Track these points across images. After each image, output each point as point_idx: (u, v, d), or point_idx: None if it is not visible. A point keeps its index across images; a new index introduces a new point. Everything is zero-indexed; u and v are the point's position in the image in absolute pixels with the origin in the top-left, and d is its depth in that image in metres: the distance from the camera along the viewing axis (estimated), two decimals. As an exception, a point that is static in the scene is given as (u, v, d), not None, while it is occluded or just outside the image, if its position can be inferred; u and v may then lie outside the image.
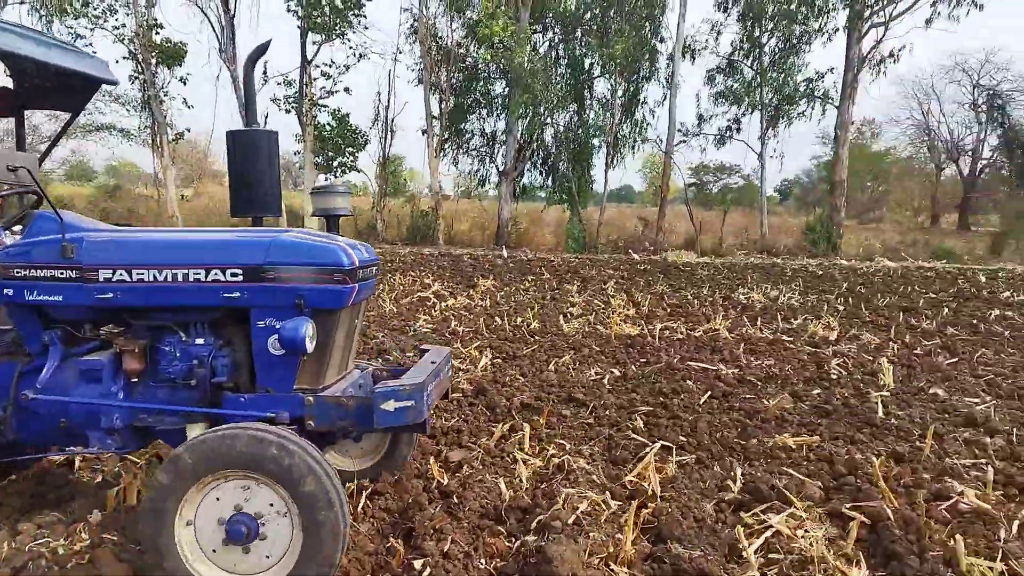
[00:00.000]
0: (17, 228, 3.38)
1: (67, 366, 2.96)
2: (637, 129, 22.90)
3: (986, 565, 2.83)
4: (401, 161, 32.08)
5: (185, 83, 21.67)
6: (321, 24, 20.41)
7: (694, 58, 23.48)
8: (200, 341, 2.96)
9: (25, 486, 3.61)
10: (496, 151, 23.54)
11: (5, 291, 2.89)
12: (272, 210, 3.64)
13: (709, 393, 5.53)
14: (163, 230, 3.22)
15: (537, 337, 7.76)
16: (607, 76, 22.34)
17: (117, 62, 20.54)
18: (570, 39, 22.62)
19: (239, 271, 2.82)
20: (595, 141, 22.75)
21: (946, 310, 9.98)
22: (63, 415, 2.91)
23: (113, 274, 2.83)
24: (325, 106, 21.88)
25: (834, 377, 6.12)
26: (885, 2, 20.09)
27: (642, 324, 8.52)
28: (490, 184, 24.15)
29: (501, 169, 22.46)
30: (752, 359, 6.79)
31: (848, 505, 3.39)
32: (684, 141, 24.10)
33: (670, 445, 4.29)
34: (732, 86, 23.67)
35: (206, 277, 2.82)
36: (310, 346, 2.76)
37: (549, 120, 22.15)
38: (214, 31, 21.13)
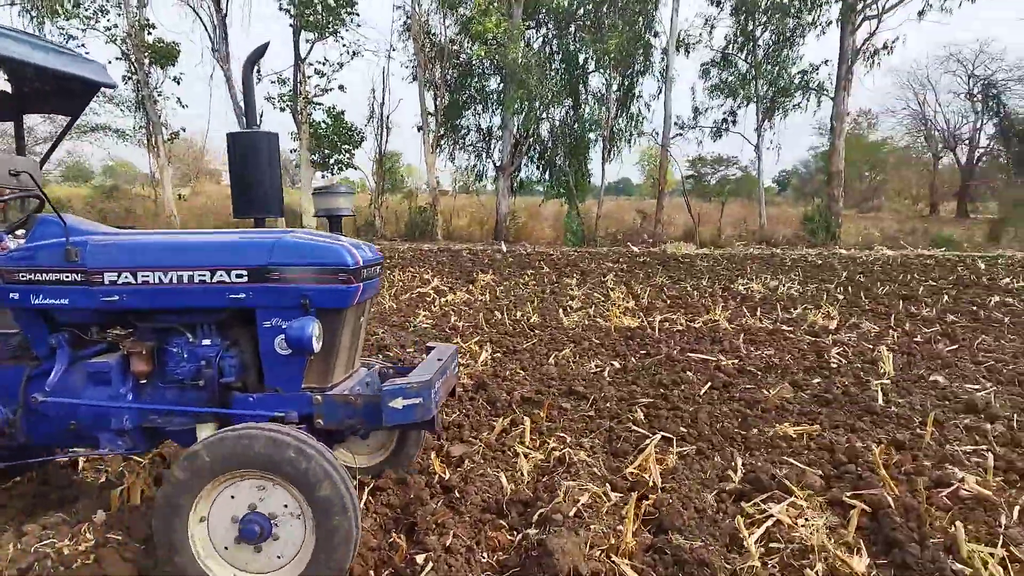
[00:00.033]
0: (20, 232, 3.38)
1: (75, 369, 2.97)
2: (633, 123, 22.91)
3: (987, 551, 2.84)
4: (398, 157, 32.11)
5: (179, 83, 21.71)
6: (314, 22, 20.40)
7: (688, 52, 23.45)
8: (207, 342, 2.97)
9: (29, 487, 3.62)
10: (492, 146, 23.55)
11: (10, 295, 2.89)
12: (274, 211, 3.65)
13: (709, 384, 5.54)
14: (167, 232, 3.23)
15: (537, 331, 7.76)
16: (601, 71, 22.34)
17: (110, 63, 20.49)
18: (564, 34, 22.59)
19: (244, 272, 2.83)
20: (591, 135, 22.76)
21: (946, 297, 9.99)
22: (73, 417, 2.93)
23: (118, 277, 2.84)
24: (320, 104, 21.88)
25: (834, 366, 6.13)
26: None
27: (642, 316, 8.53)
28: (487, 179, 24.16)
29: (498, 164, 22.45)
30: (752, 349, 6.80)
31: (849, 493, 3.39)
32: (680, 134, 24.13)
33: (671, 436, 4.30)
34: (727, 79, 23.64)
35: (211, 278, 2.83)
36: (317, 346, 2.77)
37: (545, 115, 22.15)
38: (206, 30, 21.12)
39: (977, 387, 5.40)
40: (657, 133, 22.77)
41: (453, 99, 22.80)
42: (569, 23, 22.24)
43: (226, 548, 2.53)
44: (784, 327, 7.87)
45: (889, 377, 5.71)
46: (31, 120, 21.38)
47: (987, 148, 35.29)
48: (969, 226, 25.69)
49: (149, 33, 20.83)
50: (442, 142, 23.10)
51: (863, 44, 20.77)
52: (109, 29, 20.64)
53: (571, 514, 3.14)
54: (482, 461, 3.98)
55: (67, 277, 2.84)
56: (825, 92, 22.16)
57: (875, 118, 38.16)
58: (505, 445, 4.26)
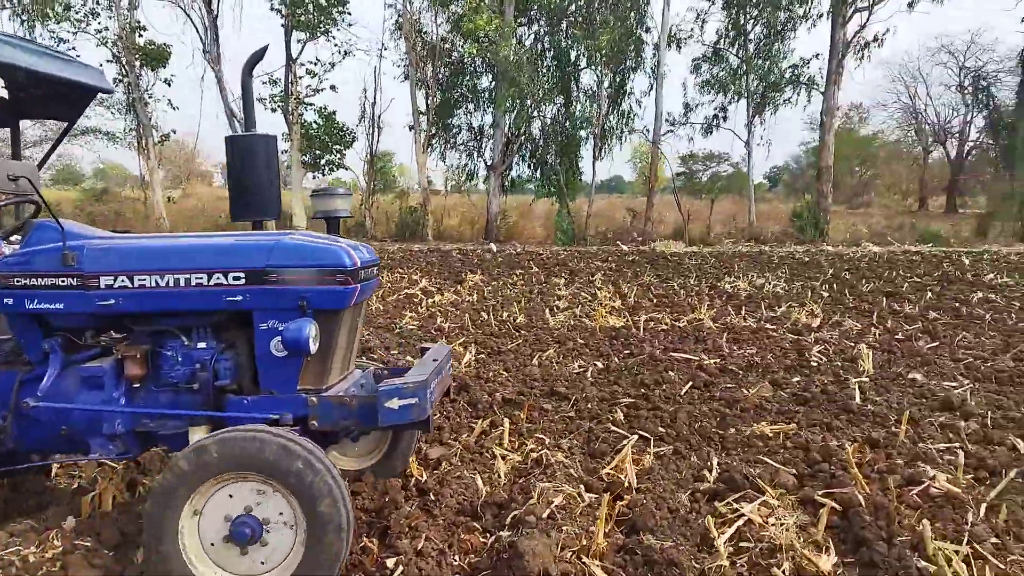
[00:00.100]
0: (14, 238, 3.39)
1: (68, 373, 2.97)
2: (624, 120, 22.95)
3: (952, 548, 2.87)
4: (391, 157, 32.06)
5: (170, 84, 21.65)
6: (305, 22, 20.35)
7: (680, 47, 23.56)
8: (202, 345, 2.98)
9: (0, 493, 3.61)
10: (484, 145, 23.54)
11: (5, 300, 2.89)
12: (271, 213, 3.67)
13: (691, 383, 5.57)
14: (164, 236, 3.24)
15: (523, 331, 7.78)
16: (593, 67, 22.37)
17: (101, 65, 20.35)
18: (555, 31, 22.59)
19: (241, 274, 2.84)
20: (582, 133, 22.78)
21: (929, 294, 10.05)
22: (64, 422, 2.93)
23: (115, 281, 2.85)
24: (311, 104, 21.85)
25: (815, 364, 6.17)
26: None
27: (627, 316, 8.56)
28: (479, 178, 24.16)
29: (489, 163, 22.44)
30: (735, 348, 6.83)
31: (820, 492, 3.41)
32: (671, 131, 24.21)
33: (648, 436, 4.33)
34: (718, 74, 23.73)
35: (208, 281, 2.84)
36: (313, 347, 2.78)
37: (536, 113, 22.14)
38: (197, 32, 21.07)
39: (955, 384, 5.44)
40: (648, 130, 22.85)
41: (445, 98, 22.79)
42: (561, 19, 22.24)
43: (212, 545, 2.53)
44: (768, 325, 7.91)
45: (868, 375, 5.75)
46: (21, 123, 21.31)
47: (977, 142, 35.52)
48: (957, 221, 25.81)
49: (140, 35, 20.78)
50: (433, 141, 23.10)
51: (854, 37, 20.85)
52: (100, 32, 20.60)
53: (544, 516, 3.16)
54: (459, 463, 3.99)
55: (63, 281, 2.85)
56: (815, 86, 22.26)
57: (866, 112, 38.38)
58: (483, 447, 4.27)
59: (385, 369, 3.57)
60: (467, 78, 23.04)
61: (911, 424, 4.47)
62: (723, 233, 22.06)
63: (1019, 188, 22.38)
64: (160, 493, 2.48)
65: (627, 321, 8.21)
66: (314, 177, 22.40)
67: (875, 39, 21.13)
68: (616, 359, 6.48)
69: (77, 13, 20.15)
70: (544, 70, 22.01)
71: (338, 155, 22.39)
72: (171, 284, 2.84)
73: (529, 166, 23.68)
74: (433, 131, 22.69)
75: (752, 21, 22.76)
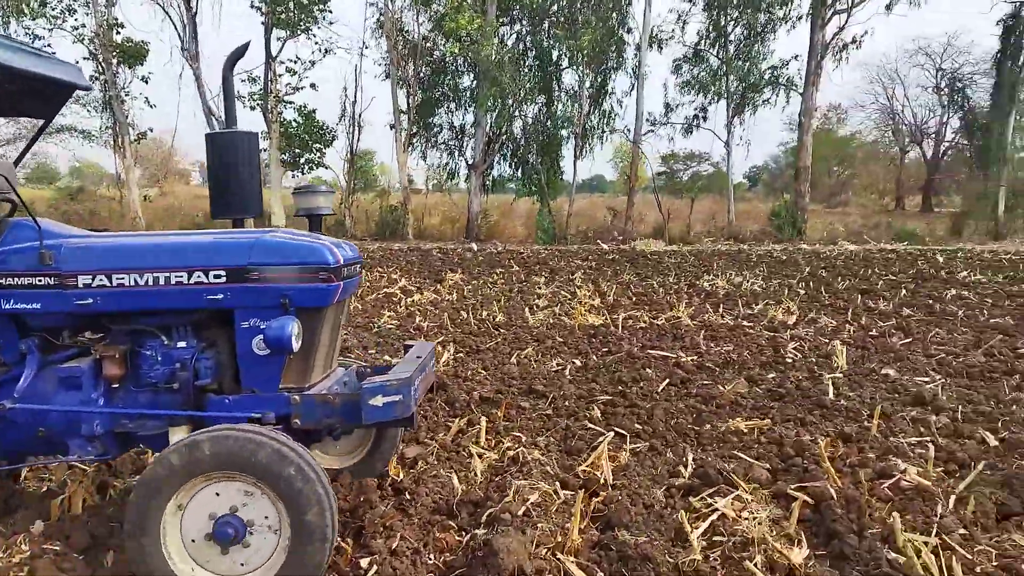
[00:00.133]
0: None
1: (46, 374, 2.93)
2: (605, 120, 23.02)
3: (921, 540, 2.91)
4: (372, 156, 31.90)
5: (147, 82, 21.33)
6: (286, 20, 20.17)
7: (661, 48, 23.70)
8: (182, 344, 2.95)
9: (-32, 498, 3.55)
10: (465, 144, 23.49)
11: None
12: (252, 211, 3.64)
13: (668, 380, 5.61)
14: (143, 234, 3.19)
15: (502, 330, 7.78)
16: (575, 67, 22.40)
17: (77, 62, 20.08)
18: (537, 31, 22.62)
19: (222, 272, 2.82)
20: (564, 132, 22.82)
21: (904, 291, 10.19)
22: (42, 424, 2.88)
23: (93, 280, 2.81)
24: (291, 102, 21.65)
25: (789, 361, 6.24)
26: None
27: (606, 314, 8.59)
28: (460, 177, 24.11)
29: (470, 162, 22.41)
30: (712, 345, 6.89)
31: (793, 486, 3.46)
32: (652, 131, 24.33)
33: (625, 433, 4.35)
34: (699, 75, 23.91)
35: (188, 279, 2.82)
36: (296, 345, 2.77)
37: (518, 112, 22.13)
38: (176, 29, 20.79)
39: (926, 380, 5.52)
40: (629, 130, 22.93)
41: (426, 97, 22.71)
42: (543, 19, 22.28)
43: (193, 541, 2.51)
44: (745, 323, 7.98)
45: (842, 371, 5.82)
46: (-7, 121, 20.97)
47: (952, 142, 36.09)
48: (933, 220, 26.22)
49: (117, 32, 20.46)
50: (414, 140, 23.02)
51: (832, 39, 21.09)
52: (77, 28, 20.27)
53: (520, 513, 3.17)
54: (436, 462, 3.98)
55: (40, 281, 2.81)
56: (794, 88, 22.49)
57: (844, 113, 38.87)
58: (460, 446, 4.26)
59: (368, 367, 3.56)
60: (449, 77, 22.98)
61: (883, 419, 4.54)
62: (703, 232, 22.22)
63: (993, 188, 22.77)
64: (146, 484, 2.46)
65: (606, 319, 8.24)
66: (293, 176, 22.19)
67: (853, 41, 21.45)
68: (594, 357, 6.51)
69: (53, 9, 19.83)
70: (526, 70, 22.02)
71: (318, 153, 22.22)
72: (150, 283, 2.81)
73: (510, 165, 23.69)
74: (414, 130, 22.61)
75: (732, 23, 22.99)
